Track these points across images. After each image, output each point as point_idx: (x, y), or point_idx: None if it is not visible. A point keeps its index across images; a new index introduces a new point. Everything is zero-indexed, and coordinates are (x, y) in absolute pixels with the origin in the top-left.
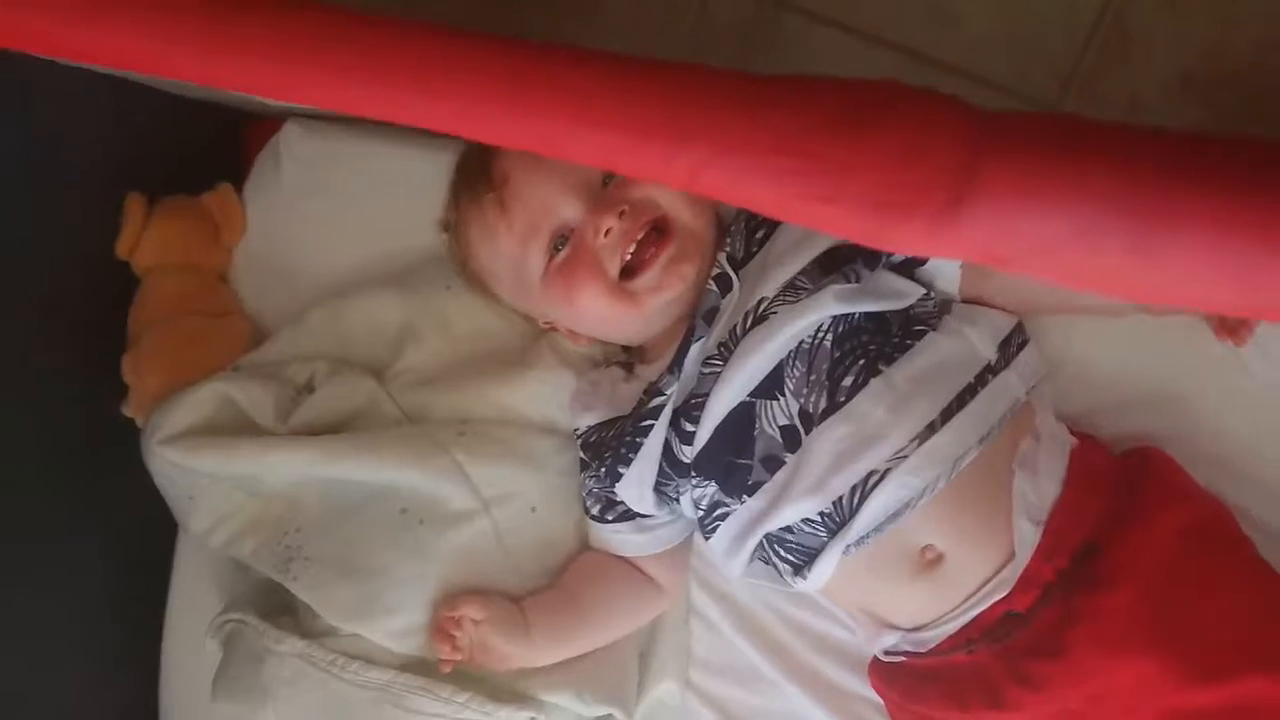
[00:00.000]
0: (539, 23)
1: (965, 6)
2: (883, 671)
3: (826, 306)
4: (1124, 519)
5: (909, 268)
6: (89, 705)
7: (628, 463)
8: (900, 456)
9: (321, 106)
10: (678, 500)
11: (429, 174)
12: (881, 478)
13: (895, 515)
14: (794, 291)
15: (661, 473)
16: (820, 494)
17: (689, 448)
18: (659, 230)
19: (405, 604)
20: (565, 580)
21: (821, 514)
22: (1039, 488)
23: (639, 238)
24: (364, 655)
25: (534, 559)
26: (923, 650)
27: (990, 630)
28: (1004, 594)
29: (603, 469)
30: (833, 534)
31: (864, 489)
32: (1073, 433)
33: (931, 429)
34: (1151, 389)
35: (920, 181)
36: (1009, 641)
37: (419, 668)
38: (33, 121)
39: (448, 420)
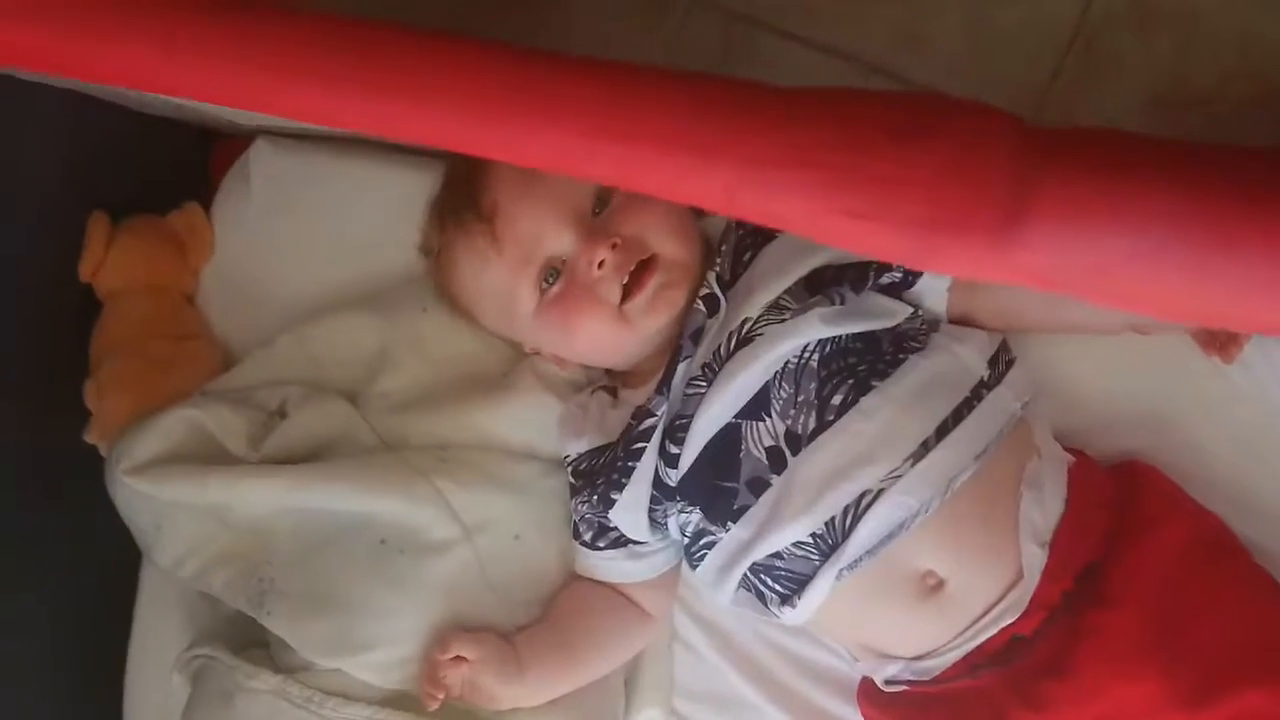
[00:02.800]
0: (507, 39)
1: (935, 29)
2: (878, 699)
3: (812, 328)
4: (1123, 535)
5: (897, 290)
6: None
7: (621, 488)
8: (894, 476)
9: (331, 123)
10: (666, 525)
11: (402, 193)
12: (875, 497)
13: (890, 536)
14: (779, 312)
15: (652, 497)
16: (811, 515)
17: (674, 470)
18: (648, 259)
19: (386, 637)
20: (555, 615)
21: (813, 535)
22: (1045, 508)
23: (631, 269)
24: (341, 691)
25: (517, 588)
26: (926, 679)
27: (996, 655)
28: (1013, 619)
29: (595, 495)
30: (825, 557)
31: (857, 509)
32: (1066, 449)
33: (926, 447)
34: (1135, 407)
35: (968, 198)
36: (1015, 664)
37: (399, 702)
38: None
39: (427, 446)
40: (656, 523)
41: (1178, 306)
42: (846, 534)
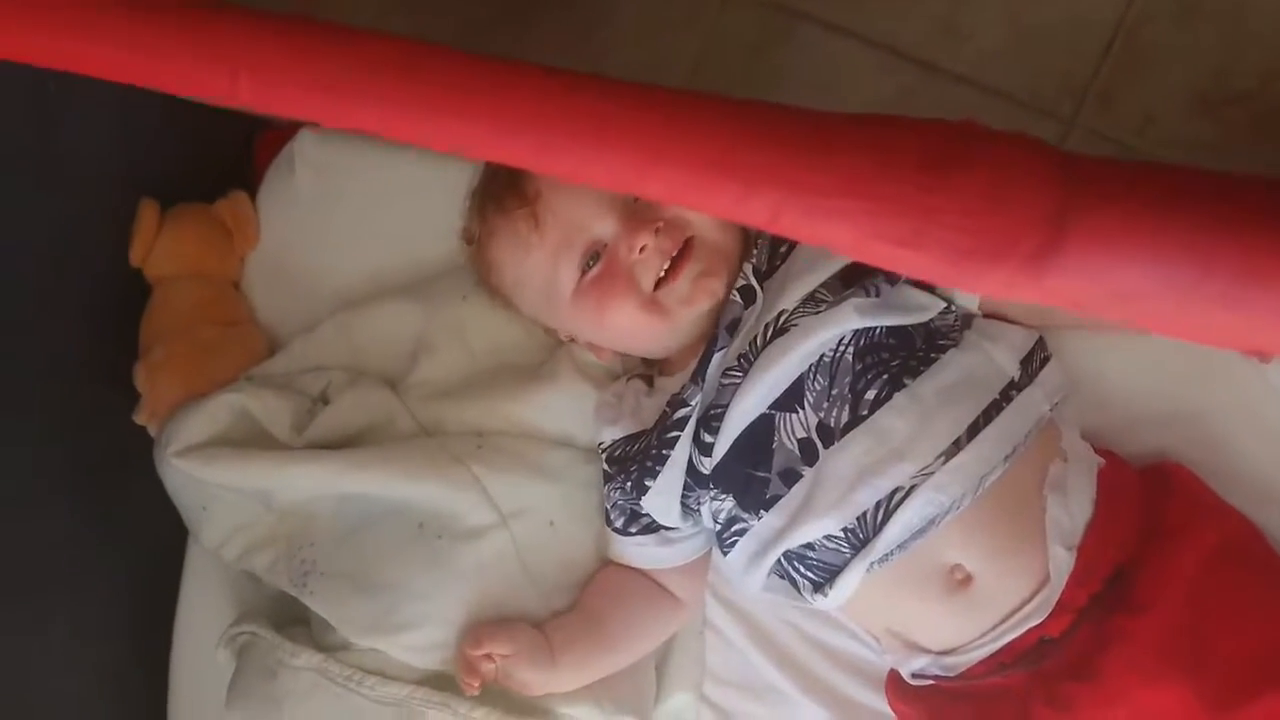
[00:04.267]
0: (550, 31)
1: (976, 21)
2: (906, 691)
3: (848, 319)
4: (1152, 539)
5: (931, 283)
6: (98, 713)
7: (654, 475)
8: (926, 473)
9: (389, 138)
10: (699, 511)
11: (444, 183)
12: (907, 494)
13: (920, 532)
14: (814, 304)
15: (685, 484)
16: (843, 510)
17: (708, 459)
18: (687, 245)
19: (423, 619)
20: (586, 602)
21: (845, 530)
22: (1071, 511)
23: (673, 254)
24: (380, 670)
25: (552, 574)
26: (952, 674)
27: (1023, 655)
28: (1039, 620)
29: (629, 482)
30: (856, 551)
31: (889, 505)
32: (1096, 451)
33: (957, 445)
34: (1169, 406)
35: (1007, 228)
36: (1042, 665)
37: (436, 682)
38: (47, 128)
39: (464, 433)
40: (689, 509)
41: (1210, 334)
42: (878, 529)
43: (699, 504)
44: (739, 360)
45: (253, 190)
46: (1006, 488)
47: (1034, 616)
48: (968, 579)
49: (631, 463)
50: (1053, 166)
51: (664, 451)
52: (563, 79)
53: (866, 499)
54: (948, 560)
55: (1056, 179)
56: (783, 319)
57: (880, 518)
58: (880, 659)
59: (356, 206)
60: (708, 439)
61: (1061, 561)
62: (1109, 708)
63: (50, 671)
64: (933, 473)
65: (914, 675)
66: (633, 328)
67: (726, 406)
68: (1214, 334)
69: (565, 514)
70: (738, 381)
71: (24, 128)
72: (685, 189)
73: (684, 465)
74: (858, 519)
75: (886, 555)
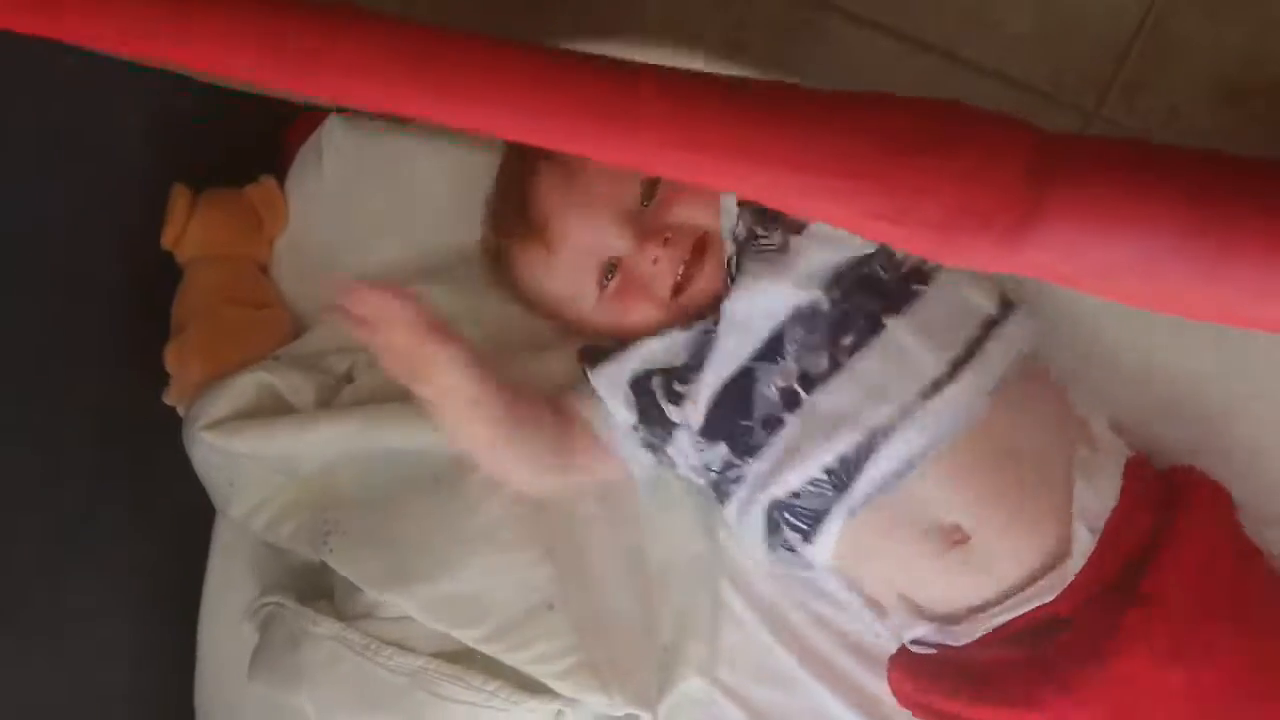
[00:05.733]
0: (577, 16)
1: (1004, 11)
2: (906, 662)
3: (817, 257)
4: (1173, 534)
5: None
6: (124, 686)
7: (618, 361)
8: (906, 412)
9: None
10: (664, 449)
11: (469, 169)
12: (887, 435)
13: (900, 474)
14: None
15: (643, 413)
16: (824, 452)
17: (675, 407)
18: (700, 246)
19: (438, 572)
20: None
21: (828, 472)
22: (1100, 495)
23: (686, 259)
24: (398, 641)
25: (562, 530)
26: (955, 644)
27: (1031, 632)
28: (1051, 597)
29: (587, 357)
30: (839, 492)
31: (869, 445)
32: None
33: (937, 385)
34: (1190, 402)
35: (985, 203)
36: (1047, 644)
37: (451, 655)
38: (82, 116)
39: None
40: (653, 446)
41: (1185, 307)
42: (858, 470)
43: (664, 442)
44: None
45: (282, 176)
46: (1014, 451)
47: (1046, 593)
48: (965, 539)
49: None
50: (1031, 143)
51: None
52: (569, 63)
53: (847, 440)
54: (942, 518)
55: (1034, 155)
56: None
57: (860, 457)
58: (884, 628)
59: (384, 192)
60: (679, 388)
61: (1084, 542)
62: (1109, 692)
63: (77, 646)
64: (912, 412)
65: (914, 643)
66: (650, 326)
67: (703, 363)
68: (1189, 308)
69: None
70: (712, 334)
71: (61, 115)
72: (694, 169)
73: (636, 367)
74: (839, 460)
75: (868, 497)
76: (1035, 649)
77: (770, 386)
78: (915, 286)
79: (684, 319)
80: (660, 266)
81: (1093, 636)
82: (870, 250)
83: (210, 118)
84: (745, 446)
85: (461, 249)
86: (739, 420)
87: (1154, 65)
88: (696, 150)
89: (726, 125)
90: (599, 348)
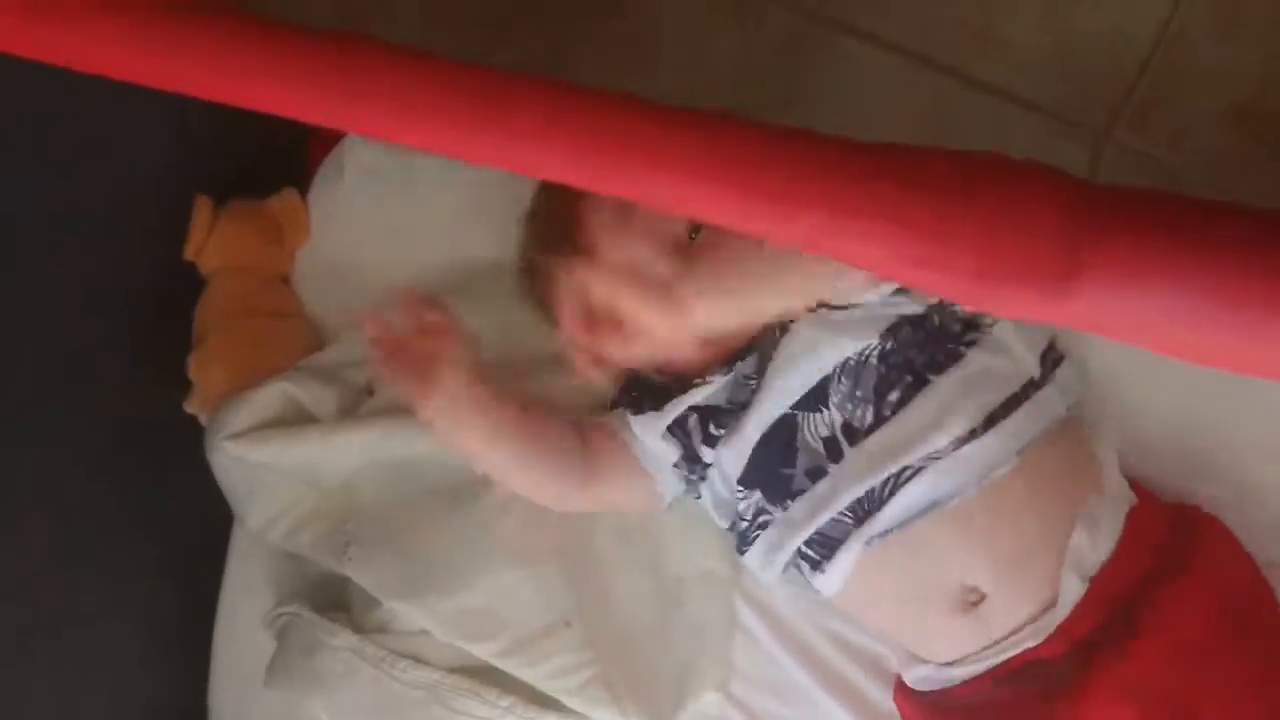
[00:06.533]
0: (594, 38)
1: (1014, 31)
2: (910, 694)
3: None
4: (1165, 582)
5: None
6: (135, 690)
7: (662, 406)
8: (935, 457)
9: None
10: (698, 485)
11: (491, 185)
12: (915, 473)
13: (923, 512)
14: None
15: (685, 452)
16: (858, 491)
17: (709, 449)
18: None
19: (455, 584)
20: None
21: (854, 502)
22: (1097, 545)
23: None
24: (414, 655)
25: (579, 545)
26: (949, 685)
27: (1018, 673)
28: (1036, 642)
29: (626, 399)
30: (859, 523)
31: (896, 481)
32: (1131, 486)
33: (973, 434)
34: (1207, 446)
35: (1026, 254)
36: (1034, 685)
37: (467, 670)
38: (107, 129)
39: None
40: (691, 482)
41: (1230, 361)
42: (883, 503)
43: (699, 479)
44: (758, 362)
45: (304, 188)
46: (1030, 505)
47: (1033, 638)
48: (981, 599)
49: (632, 390)
50: (1069, 195)
51: (663, 403)
52: (608, 100)
53: (878, 478)
54: (964, 580)
55: (1072, 207)
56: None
57: (887, 493)
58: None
59: (405, 206)
60: (715, 431)
61: (1073, 590)
62: None
63: (88, 649)
64: (941, 457)
65: (917, 681)
66: (691, 362)
67: (745, 407)
68: (1238, 364)
69: None
70: (754, 384)
71: (86, 127)
72: (728, 213)
73: (681, 410)
74: (867, 492)
75: (885, 532)
76: (1021, 690)
77: (813, 436)
78: (965, 343)
79: (724, 357)
80: None
81: (1075, 679)
82: (925, 307)
83: (234, 131)
84: (782, 494)
85: (484, 262)
86: (780, 469)
87: (1166, 88)
88: (736, 193)
89: (766, 167)
90: (637, 396)
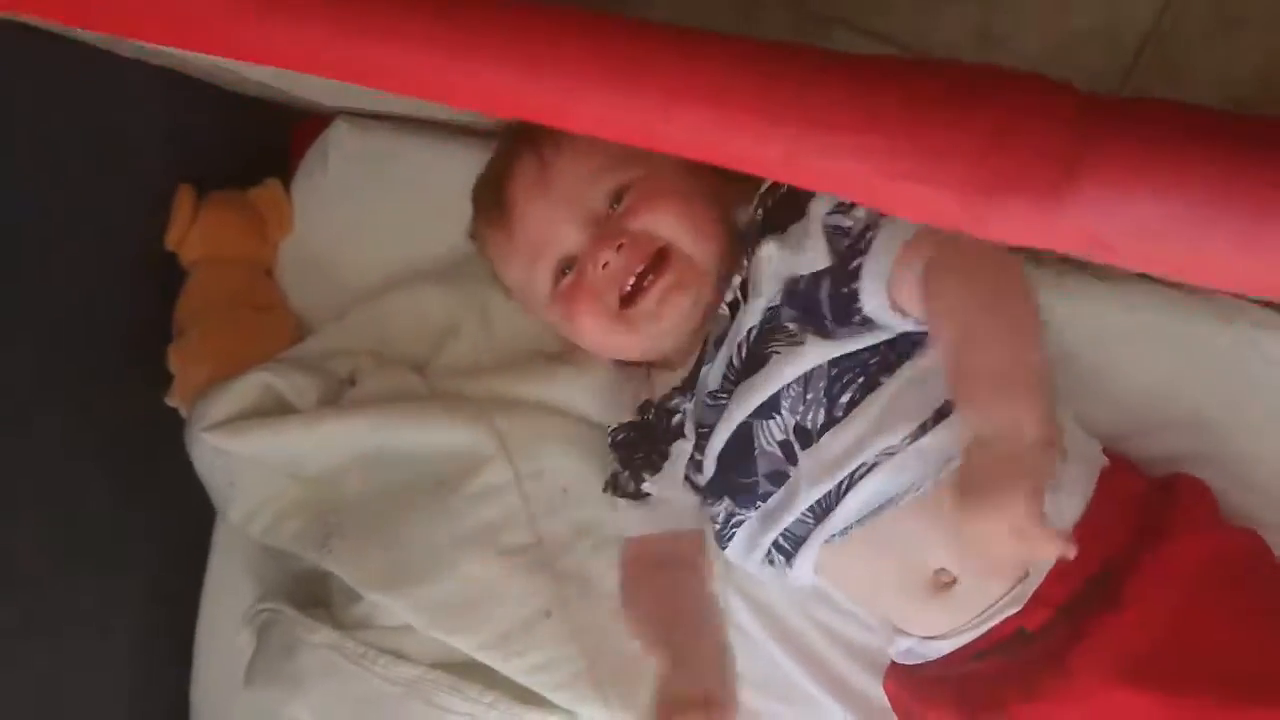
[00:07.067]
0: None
1: (1009, 26)
2: (897, 674)
3: (826, 349)
4: (1145, 544)
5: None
6: (121, 688)
7: (657, 469)
8: (889, 452)
9: (407, 88)
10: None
11: (473, 172)
12: (869, 469)
13: (880, 509)
14: (788, 332)
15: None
16: (817, 492)
17: (699, 475)
18: (660, 258)
19: (434, 574)
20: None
21: (812, 504)
22: (1059, 506)
23: (638, 270)
24: (395, 650)
25: (563, 538)
26: (933, 658)
27: (1001, 644)
28: (1015, 611)
29: (628, 471)
30: (819, 521)
31: (851, 479)
32: (1106, 453)
33: (923, 429)
34: (1187, 409)
35: (1020, 164)
36: (1019, 655)
37: (448, 666)
38: (92, 115)
39: (490, 398)
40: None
41: (1226, 274)
42: (838, 501)
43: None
44: (723, 382)
45: (288, 178)
46: None
47: (1010, 607)
48: (952, 580)
49: (636, 450)
50: (1068, 103)
51: (666, 449)
52: (583, 18)
53: (834, 479)
54: (931, 563)
55: (1071, 114)
56: (753, 337)
57: (843, 490)
58: (872, 635)
59: (389, 196)
60: (697, 455)
61: None
62: (1077, 702)
63: (77, 646)
64: (896, 453)
65: (901, 654)
66: (604, 339)
67: (713, 428)
68: (1230, 277)
69: (580, 482)
70: (724, 404)
71: (70, 114)
72: (706, 126)
73: (684, 461)
74: (824, 494)
75: (847, 528)
76: (1007, 661)
77: (769, 441)
78: (919, 345)
79: (663, 356)
80: (609, 272)
81: (1059, 646)
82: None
83: (218, 119)
84: (751, 499)
85: (467, 251)
86: (742, 478)
87: (1160, 84)
88: (710, 106)
89: (745, 80)
90: (640, 460)
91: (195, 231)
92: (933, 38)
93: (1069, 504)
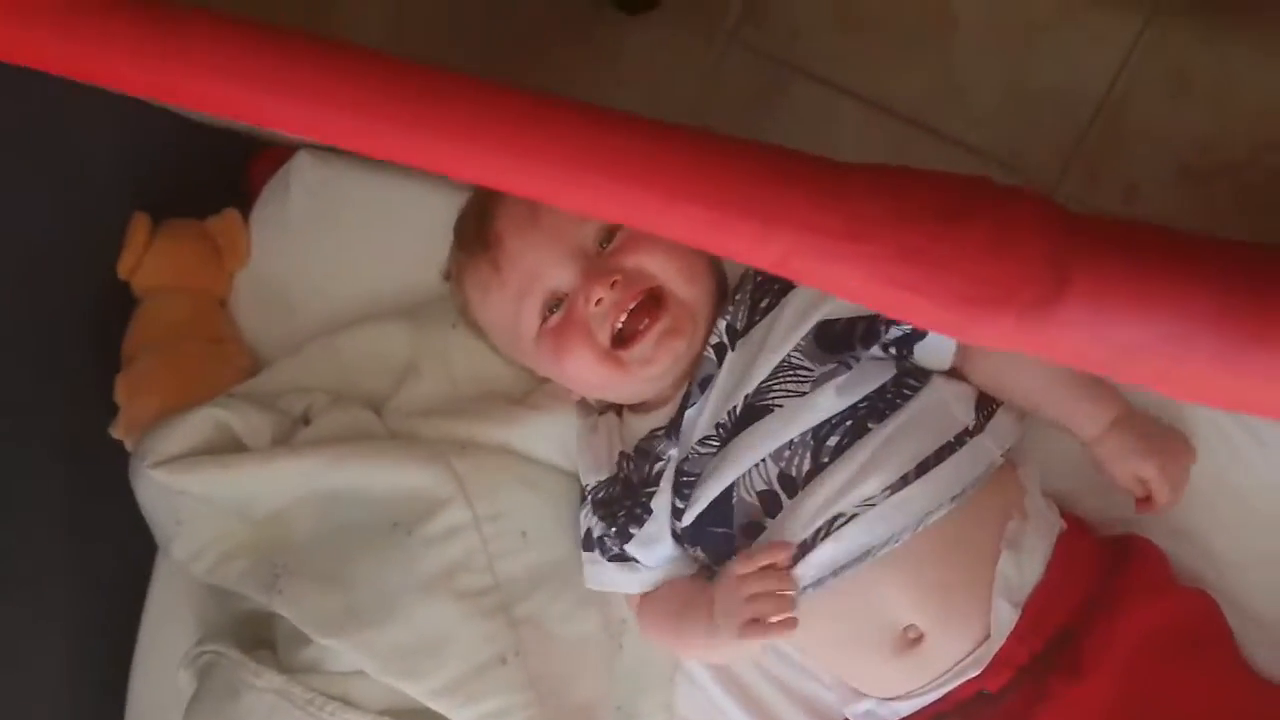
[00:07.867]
0: (558, 61)
1: (971, 80)
2: None
3: (830, 404)
4: (1102, 608)
5: (909, 343)
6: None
7: (641, 522)
8: (869, 504)
9: (405, 163)
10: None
11: (439, 209)
12: (847, 520)
13: (855, 561)
14: (796, 377)
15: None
16: (794, 539)
17: (678, 521)
18: (654, 299)
19: (387, 618)
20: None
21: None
22: (1022, 569)
23: (630, 308)
24: (343, 697)
25: (521, 581)
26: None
27: (961, 706)
28: (977, 673)
29: (613, 529)
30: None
31: (828, 529)
32: (1062, 514)
33: (905, 480)
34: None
35: (1009, 278)
36: (979, 717)
37: (398, 712)
38: (49, 139)
39: (448, 440)
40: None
41: (1206, 392)
42: (811, 548)
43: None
44: (716, 429)
45: (247, 209)
46: (960, 540)
47: (972, 668)
48: (920, 638)
49: (619, 507)
50: (1055, 221)
51: (648, 503)
52: (585, 112)
53: (808, 530)
54: (902, 620)
55: (1057, 232)
56: (762, 393)
57: (817, 540)
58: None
59: (350, 229)
60: (679, 504)
61: (1004, 616)
62: None
63: (9, 685)
64: (875, 504)
65: (859, 716)
66: (592, 378)
67: (699, 476)
68: (1211, 394)
69: (538, 526)
70: (713, 451)
71: (27, 137)
72: (704, 227)
73: (668, 513)
74: (799, 545)
75: (819, 580)
76: None
77: (749, 491)
78: (905, 390)
79: (644, 399)
80: (601, 309)
81: (1019, 710)
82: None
83: (177, 147)
84: (726, 553)
85: (429, 288)
86: (717, 529)
87: (1115, 143)
88: (708, 207)
89: (743, 183)
90: (623, 517)
91: (148, 260)
92: (891, 88)
93: (1030, 566)
